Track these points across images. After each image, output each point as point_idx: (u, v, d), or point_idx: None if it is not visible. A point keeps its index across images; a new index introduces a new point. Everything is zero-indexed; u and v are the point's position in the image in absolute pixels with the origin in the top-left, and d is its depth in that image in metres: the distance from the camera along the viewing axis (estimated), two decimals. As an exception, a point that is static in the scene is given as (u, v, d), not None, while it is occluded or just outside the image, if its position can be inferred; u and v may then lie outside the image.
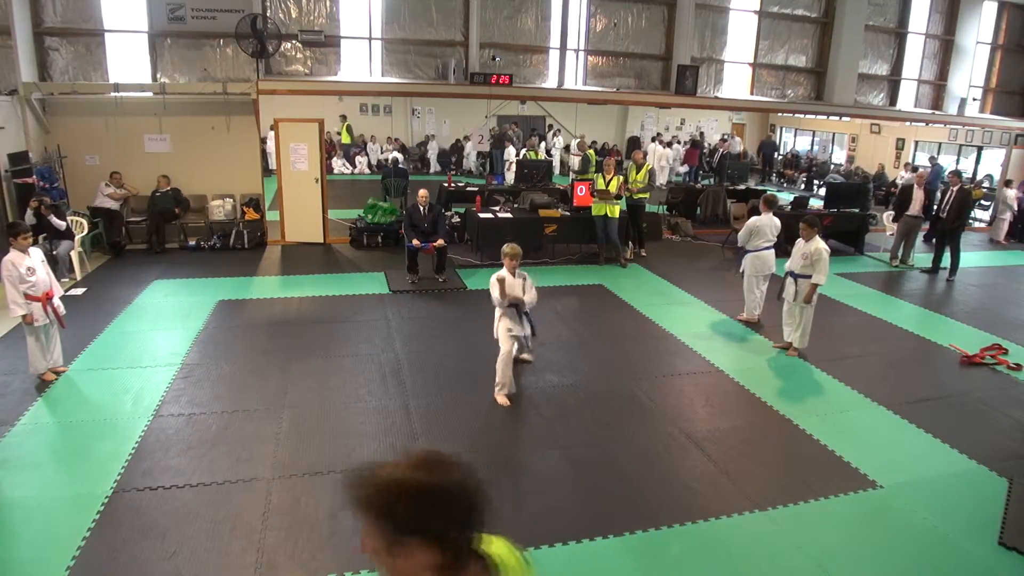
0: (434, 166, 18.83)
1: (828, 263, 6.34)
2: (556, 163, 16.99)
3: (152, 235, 9.70)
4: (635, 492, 4.27)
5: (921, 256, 10.78)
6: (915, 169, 13.74)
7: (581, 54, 12.50)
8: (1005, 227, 13.16)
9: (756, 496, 4.24)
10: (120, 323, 6.94)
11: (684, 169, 18.42)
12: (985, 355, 6.74)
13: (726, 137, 19.62)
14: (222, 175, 10.32)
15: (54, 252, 7.94)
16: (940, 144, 16.83)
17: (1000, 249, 12.61)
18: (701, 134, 20.44)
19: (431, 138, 19.13)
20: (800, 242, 6.49)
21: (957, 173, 10.85)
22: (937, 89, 14.94)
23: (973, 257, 11.29)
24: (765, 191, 10.52)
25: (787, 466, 4.67)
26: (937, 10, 14.37)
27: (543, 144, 18.16)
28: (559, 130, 19.27)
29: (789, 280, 6.56)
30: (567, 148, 17.71)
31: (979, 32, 14.45)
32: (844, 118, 17.13)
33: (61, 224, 8.16)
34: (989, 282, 10.06)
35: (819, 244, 6.33)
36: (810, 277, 6.33)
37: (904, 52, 14.36)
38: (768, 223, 7.26)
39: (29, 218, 7.99)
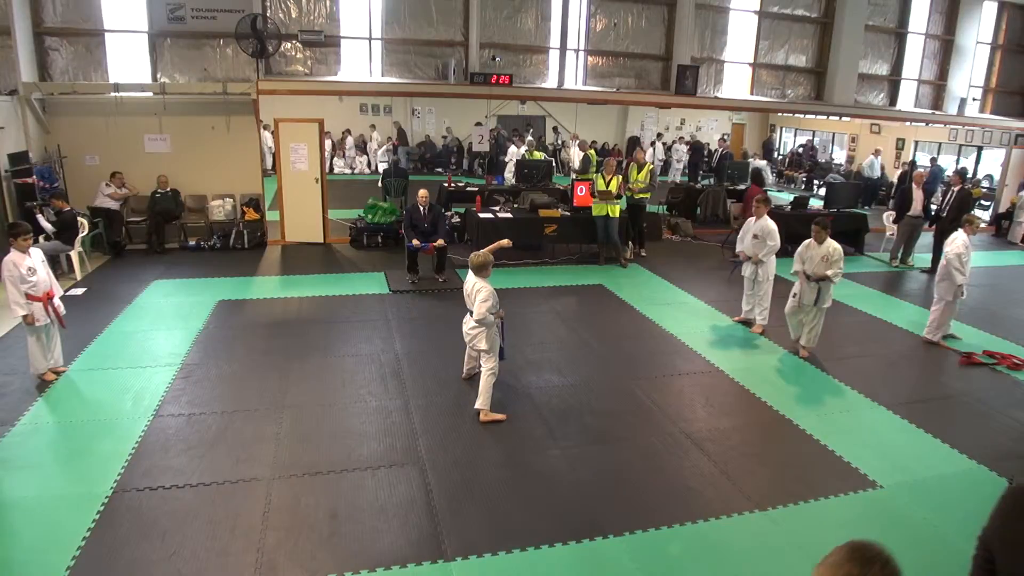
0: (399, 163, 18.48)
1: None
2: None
3: (152, 235, 9.70)
4: (635, 492, 4.27)
5: (921, 256, 10.76)
6: (911, 165, 13.69)
7: (581, 54, 12.50)
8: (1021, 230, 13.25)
9: (756, 496, 4.24)
10: (120, 323, 6.94)
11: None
12: (984, 354, 6.75)
13: (725, 138, 19.61)
14: (222, 175, 10.32)
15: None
16: (940, 144, 16.81)
17: (1000, 249, 12.60)
18: (690, 138, 20.29)
19: (396, 124, 18.60)
20: (813, 244, 6.48)
21: (960, 173, 10.83)
22: (937, 89, 14.94)
23: (973, 257, 11.21)
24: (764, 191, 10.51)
25: (787, 466, 4.67)
26: (937, 10, 14.37)
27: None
28: (554, 128, 19.37)
29: (811, 284, 6.46)
30: (555, 129, 18.00)
31: (979, 32, 14.45)
32: (844, 118, 17.12)
33: (47, 226, 8.14)
34: (989, 282, 10.04)
35: (834, 243, 6.42)
36: (829, 279, 6.34)
37: (904, 52, 14.36)
38: None
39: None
